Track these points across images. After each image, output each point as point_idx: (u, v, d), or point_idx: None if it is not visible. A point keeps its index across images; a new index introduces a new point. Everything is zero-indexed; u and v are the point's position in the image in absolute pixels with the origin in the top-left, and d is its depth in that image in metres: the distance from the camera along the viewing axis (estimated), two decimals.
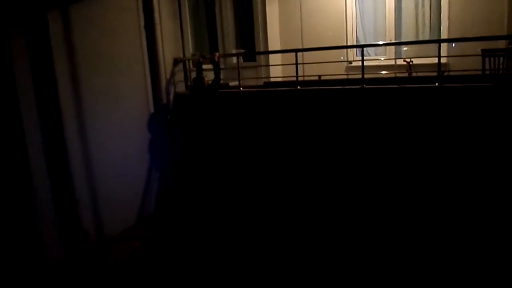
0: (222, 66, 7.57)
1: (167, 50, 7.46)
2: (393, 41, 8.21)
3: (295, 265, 5.31)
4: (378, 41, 8.36)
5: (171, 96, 7.57)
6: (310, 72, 7.47)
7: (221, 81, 7.12)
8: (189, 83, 7.69)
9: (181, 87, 7.75)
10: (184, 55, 7.94)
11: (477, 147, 5.49)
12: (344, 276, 5.00)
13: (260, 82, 7.77)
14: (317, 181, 6.63)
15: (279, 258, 5.50)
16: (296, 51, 6.76)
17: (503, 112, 5.30)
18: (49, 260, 5.54)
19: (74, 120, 5.91)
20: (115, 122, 6.49)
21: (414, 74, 7.47)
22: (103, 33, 6.30)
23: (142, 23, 6.94)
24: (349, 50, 8.52)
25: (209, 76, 7.11)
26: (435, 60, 5.85)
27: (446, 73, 6.81)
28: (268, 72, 8.20)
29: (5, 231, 5.19)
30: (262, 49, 8.34)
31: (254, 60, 8.54)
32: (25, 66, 5.26)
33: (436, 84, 5.72)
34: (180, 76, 7.77)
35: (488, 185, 5.50)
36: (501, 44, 7.02)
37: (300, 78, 6.77)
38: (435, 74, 5.86)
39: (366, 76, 6.18)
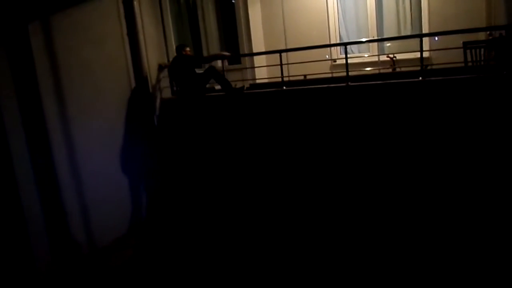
0: None
1: (151, 56, 7.45)
2: (376, 37, 8.27)
3: (292, 266, 5.31)
4: (361, 38, 8.42)
5: (157, 102, 7.55)
6: (296, 72, 7.50)
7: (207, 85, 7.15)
8: (174, 88, 7.67)
9: (166, 93, 7.73)
10: (168, 60, 7.92)
11: (462, 138, 5.56)
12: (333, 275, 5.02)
13: (246, 84, 7.78)
14: (306, 180, 6.65)
15: (269, 262, 5.50)
16: (280, 51, 6.79)
17: (485, 103, 5.37)
18: (41, 273, 5.47)
19: (60, 132, 5.86)
20: (101, 131, 6.45)
21: (398, 70, 7.54)
22: (85, 42, 6.25)
23: (125, 30, 6.91)
24: (333, 48, 8.56)
25: None
26: (418, 54, 5.92)
27: (429, 67, 6.89)
28: (254, 74, 8.21)
29: None
30: (246, 51, 8.35)
31: (239, 62, 8.55)
32: (6, 78, 5.20)
33: (420, 78, 5.78)
34: (165, 81, 7.75)
35: (474, 175, 5.57)
36: (482, 36, 7.12)
37: (285, 79, 6.79)
38: (418, 68, 5.92)
39: (350, 73, 6.24)
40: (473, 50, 6.40)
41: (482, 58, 6.43)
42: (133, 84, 7.09)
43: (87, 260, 6.01)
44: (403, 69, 7.30)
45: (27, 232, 5.36)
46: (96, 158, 6.31)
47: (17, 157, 5.27)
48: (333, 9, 8.56)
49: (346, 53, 6.35)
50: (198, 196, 7.36)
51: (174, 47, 8.40)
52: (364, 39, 8.23)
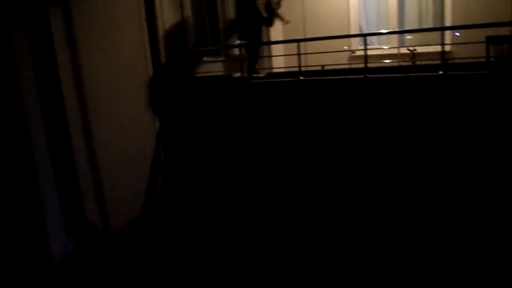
0: (223, 58, 7.52)
1: (169, 42, 7.44)
2: (396, 29, 8.13)
3: (296, 259, 5.32)
4: (381, 29, 8.29)
5: (174, 88, 7.56)
6: (313, 62, 7.43)
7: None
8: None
9: None
10: (187, 46, 7.90)
11: (482, 135, 5.46)
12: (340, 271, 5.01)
13: (263, 73, 7.74)
14: (322, 172, 6.62)
15: (282, 251, 5.52)
16: (298, 41, 6.72)
17: (507, 99, 5.26)
18: (56, 253, 5.59)
19: (78, 115, 5.94)
20: (119, 114, 6.51)
21: (418, 63, 7.41)
22: (104, 28, 6.28)
23: (143, 16, 6.91)
24: (352, 39, 8.44)
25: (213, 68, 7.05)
26: (439, 48, 5.81)
27: (450, 61, 6.76)
28: (271, 63, 8.16)
29: (11, 225, 5.23)
30: (264, 40, 8.29)
31: None
32: (28, 64, 5.27)
33: (440, 72, 5.68)
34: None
35: (492, 173, 5.48)
36: (506, 31, 6.94)
37: (303, 69, 6.73)
38: (439, 62, 5.82)
39: (369, 65, 6.15)
40: (496, 45, 6.26)
41: (506, 54, 6.29)
42: (151, 71, 7.12)
43: (102, 241, 6.11)
44: (423, 62, 7.17)
45: (43, 213, 5.46)
46: (113, 142, 6.39)
47: (35, 140, 5.35)
48: None
49: (365, 44, 6.26)
50: (210, 184, 7.39)
51: (192, 35, 8.41)
52: (384, 31, 8.10)
